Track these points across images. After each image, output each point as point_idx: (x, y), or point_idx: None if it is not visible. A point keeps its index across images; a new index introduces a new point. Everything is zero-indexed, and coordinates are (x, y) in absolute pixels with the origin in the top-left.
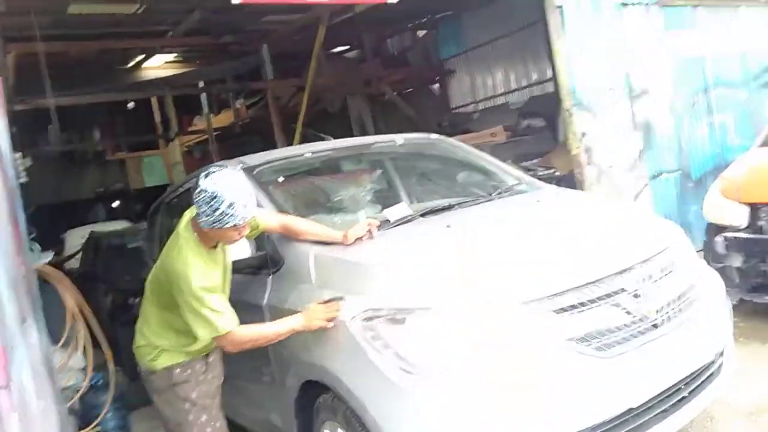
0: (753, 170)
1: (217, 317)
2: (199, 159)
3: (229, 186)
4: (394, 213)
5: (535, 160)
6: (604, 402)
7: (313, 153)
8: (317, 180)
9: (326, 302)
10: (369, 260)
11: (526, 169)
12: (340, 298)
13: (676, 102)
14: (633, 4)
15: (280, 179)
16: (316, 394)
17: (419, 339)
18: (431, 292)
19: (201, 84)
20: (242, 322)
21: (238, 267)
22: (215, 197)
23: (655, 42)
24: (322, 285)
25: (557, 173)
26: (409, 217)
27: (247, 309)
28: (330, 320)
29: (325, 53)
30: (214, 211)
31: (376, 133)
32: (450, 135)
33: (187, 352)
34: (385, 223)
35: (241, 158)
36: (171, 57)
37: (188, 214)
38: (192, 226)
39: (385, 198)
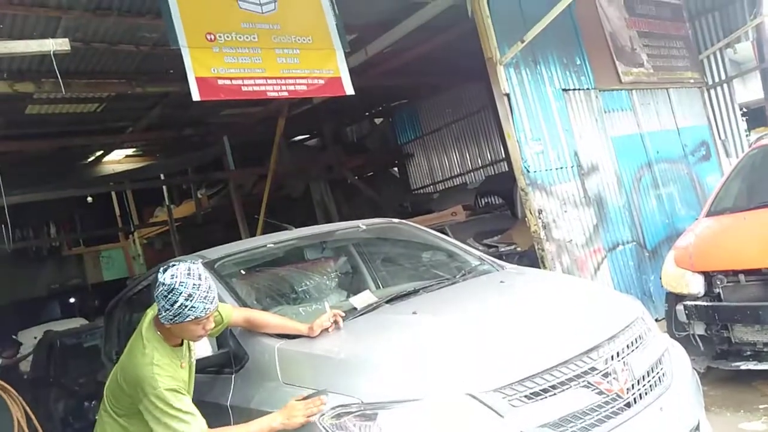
0: (702, 239)
1: (188, 419)
2: (160, 250)
3: (187, 278)
4: (360, 301)
5: (495, 237)
6: None
7: (275, 243)
8: (280, 271)
9: (305, 398)
10: (336, 354)
11: (488, 246)
12: (324, 392)
13: (623, 177)
14: (574, 89)
15: (242, 272)
16: None
17: None
18: (402, 385)
19: (162, 176)
20: (208, 422)
21: (200, 366)
22: (173, 290)
23: (597, 122)
24: (289, 381)
25: (518, 249)
26: (375, 305)
27: (209, 410)
28: (311, 416)
29: (286, 142)
30: (173, 305)
31: (339, 216)
32: (412, 215)
33: None
34: (351, 312)
35: (201, 252)
36: (131, 151)
37: (150, 312)
38: (154, 325)
39: (351, 284)
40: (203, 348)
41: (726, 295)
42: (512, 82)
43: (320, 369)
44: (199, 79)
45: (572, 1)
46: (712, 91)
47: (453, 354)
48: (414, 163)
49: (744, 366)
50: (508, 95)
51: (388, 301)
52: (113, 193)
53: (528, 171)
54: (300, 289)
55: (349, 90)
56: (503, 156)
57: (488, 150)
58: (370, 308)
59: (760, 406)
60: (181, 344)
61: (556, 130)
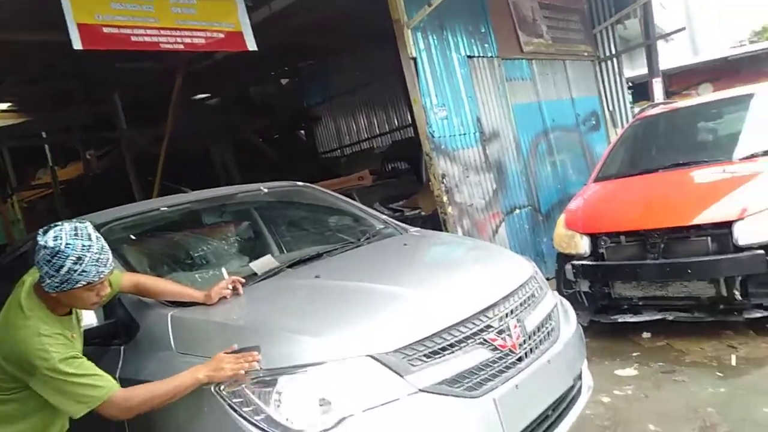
0: (589, 203)
1: (97, 382)
2: (43, 215)
3: (75, 238)
4: (260, 266)
5: (401, 202)
6: None
7: (168, 207)
8: (175, 236)
9: (235, 351)
10: (234, 320)
11: (394, 211)
12: (256, 348)
13: (522, 144)
14: (478, 56)
15: (132, 237)
16: None
17: (292, 400)
18: (302, 349)
19: (44, 134)
20: None
21: (86, 338)
22: (57, 253)
23: (499, 90)
24: (183, 350)
25: (423, 213)
26: (277, 269)
27: None
28: (240, 371)
29: (185, 100)
30: (59, 270)
31: (243, 180)
32: (319, 180)
33: None
34: (252, 277)
35: (86, 216)
36: (5, 106)
37: (29, 279)
38: (36, 293)
39: (254, 250)
40: (88, 318)
41: (609, 255)
42: (419, 46)
43: (218, 336)
44: (80, 26)
45: None
46: (603, 65)
47: (354, 317)
48: (321, 126)
49: (621, 319)
50: (414, 59)
51: (290, 266)
52: None
53: (433, 136)
54: (196, 255)
55: (252, 46)
56: (410, 122)
57: (396, 115)
58: (272, 273)
59: (633, 354)
60: (70, 313)
61: (460, 96)
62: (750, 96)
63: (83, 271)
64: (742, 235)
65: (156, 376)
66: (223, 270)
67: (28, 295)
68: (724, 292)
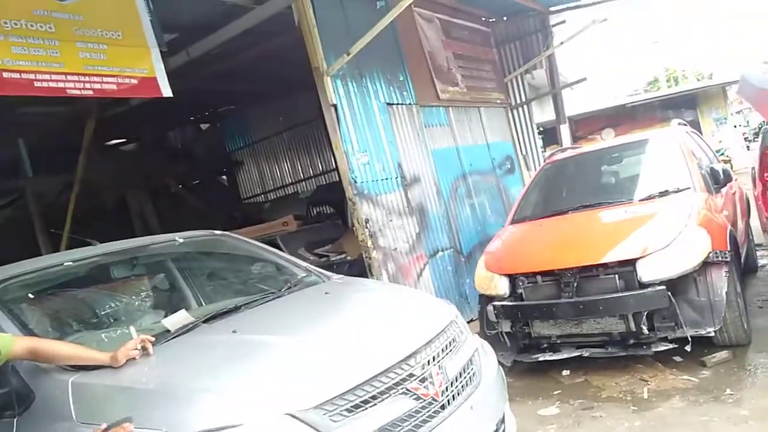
0: (506, 245)
1: None
2: None
3: None
4: (173, 322)
5: (327, 247)
6: None
7: (74, 261)
8: (80, 293)
9: (106, 429)
10: (143, 383)
11: (320, 256)
12: (128, 419)
13: (442, 187)
14: (397, 104)
15: (30, 296)
16: None
17: None
18: (217, 412)
19: None
20: None
21: None
22: None
23: (418, 136)
24: (85, 420)
25: (349, 258)
26: (192, 325)
27: None
28: None
29: (98, 146)
30: None
31: (162, 229)
32: (243, 226)
33: None
34: (164, 335)
35: None
36: None
37: None
38: None
39: (170, 304)
40: None
41: (527, 295)
42: (339, 93)
43: (124, 402)
44: None
45: (393, 19)
46: (515, 111)
47: (271, 373)
48: (244, 171)
49: (542, 357)
50: (335, 106)
51: (205, 321)
52: None
53: (355, 181)
54: (104, 313)
55: (167, 92)
56: (334, 166)
57: (319, 160)
58: (186, 329)
59: (554, 393)
60: None
61: (381, 142)
62: (645, 141)
63: None
64: (645, 272)
65: None
66: (131, 329)
67: None
68: (633, 327)
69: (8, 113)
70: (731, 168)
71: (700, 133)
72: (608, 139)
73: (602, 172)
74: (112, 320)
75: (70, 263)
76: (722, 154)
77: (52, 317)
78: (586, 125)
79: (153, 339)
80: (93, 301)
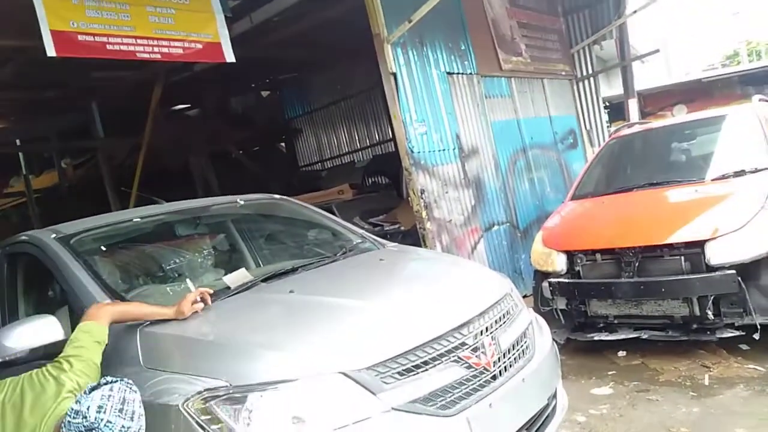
0: (566, 221)
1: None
2: (17, 224)
3: (117, 417)
4: (233, 279)
5: (381, 216)
6: None
7: (141, 218)
8: (147, 248)
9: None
10: (204, 335)
11: (374, 225)
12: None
13: (501, 160)
14: (458, 73)
15: (103, 249)
16: None
17: (263, 418)
18: (273, 366)
19: (18, 141)
20: None
21: (53, 351)
22: (93, 429)
23: (478, 107)
24: (152, 366)
25: (402, 228)
26: (251, 283)
27: None
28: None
29: (164, 111)
30: None
31: (222, 192)
32: (299, 193)
33: None
34: (224, 291)
35: (56, 226)
36: None
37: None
38: None
39: (229, 263)
40: (54, 332)
41: (585, 273)
42: (399, 61)
43: (186, 352)
44: (54, 33)
45: None
46: (581, 84)
47: (327, 333)
48: (302, 139)
49: (597, 337)
50: (394, 74)
51: (264, 280)
52: None
53: (412, 151)
54: (168, 268)
55: (230, 57)
56: (391, 136)
57: (376, 130)
58: (245, 287)
59: (609, 373)
60: None
61: (440, 112)
62: (722, 117)
63: None
64: (714, 255)
65: None
66: (189, 282)
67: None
68: (697, 312)
69: (82, 77)
70: None
71: None
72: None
73: (672, 149)
74: (176, 275)
75: (139, 220)
76: None
77: (122, 269)
78: (656, 101)
79: (211, 291)
80: (158, 256)
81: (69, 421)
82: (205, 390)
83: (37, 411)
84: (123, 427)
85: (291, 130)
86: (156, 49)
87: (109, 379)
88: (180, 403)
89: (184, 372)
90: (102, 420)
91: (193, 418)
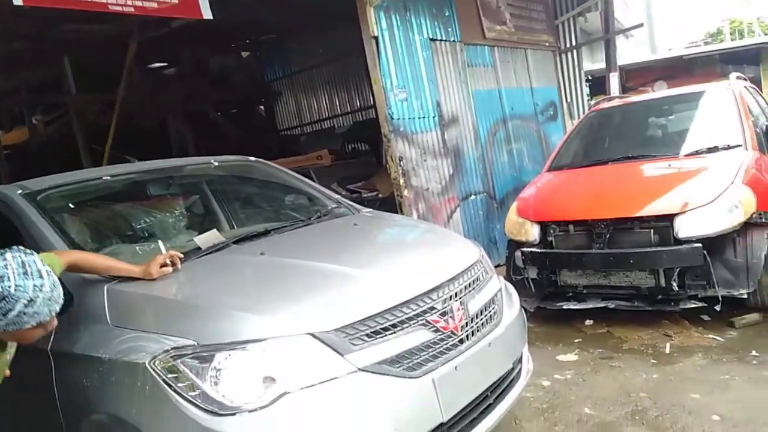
0: (541, 192)
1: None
2: None
3: (25, 278)
4: (204, 240)
5: (359, 183)
6: (417, 421)
7: (112, 176)
8: (117, 207)
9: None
10: (173, 294)
11: (352, 192)
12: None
13: (480, 130)
14: (440, 40)
15: (71, 206)
16: None
17: (230, 377)
18: (240, 326)
19: None
20: (24, 368)
21: None
22: (5, 298)
23: (460, 75)
24: (119, 324)
25: (380, 195)
26: (222, 245)
27: (26, 356)
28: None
29: (139, 68)
30: (6, 314)
31: (198, 153)
32: (278, 157)
33: None
34: (195, 252)
35: (23, 182)
36: None
37: None
38: None
39: (203, 224)
40: None
41: (557, 243)
42: (381, 25)
43: (154, 311)
44: None
45: None
46: (563, 56)
47: (296, 294)
48: (281, 102)
49: (566, 306)
50: (376, 38)
51: (235, 242)
52: None
53: (392, 118)
54: (139, 227)
55: (207, 14)
56: (372, 103)
57: (358, 96)
58: (216, 248)
59: (575, 341)
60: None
61: (421, 79)
62: (700, 94)
63: (35, 312)
64: (683, 228)
65: (89, 349)
66: (160, 243)
67: None
68: (663, 283)
69: (53, 29)
70: None
71: (761, 90)
72: (659, 91)
73: (649, 124)
74: (146, 235)
75: (109, 178)
76: None
77: (91, 228)
78: (637, 76)
79: (182, 255)
80: (129, 215)
81: None
82: (172, 348)
83: None
84: (35, 286)
85: (271, 92)
86: (129, 2)
87: None
88: (147, 361)
89: (152, 331)
90: (10, 287)
91: (160, 376)
